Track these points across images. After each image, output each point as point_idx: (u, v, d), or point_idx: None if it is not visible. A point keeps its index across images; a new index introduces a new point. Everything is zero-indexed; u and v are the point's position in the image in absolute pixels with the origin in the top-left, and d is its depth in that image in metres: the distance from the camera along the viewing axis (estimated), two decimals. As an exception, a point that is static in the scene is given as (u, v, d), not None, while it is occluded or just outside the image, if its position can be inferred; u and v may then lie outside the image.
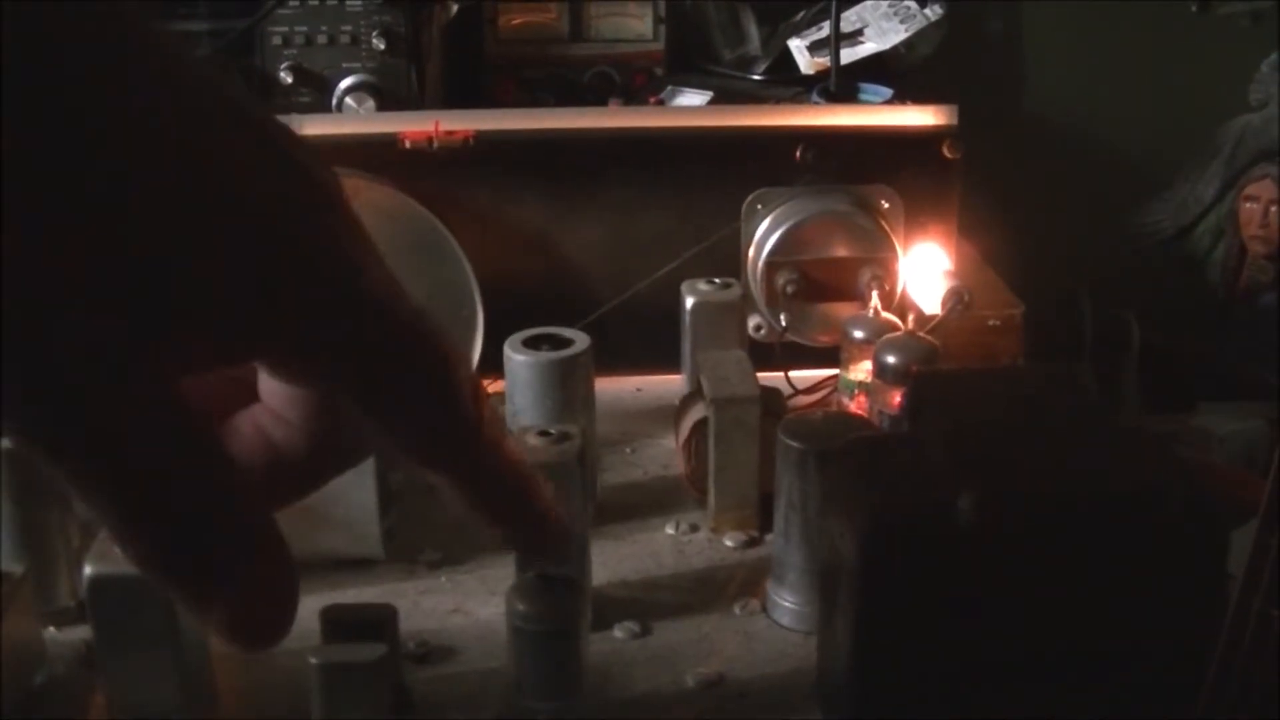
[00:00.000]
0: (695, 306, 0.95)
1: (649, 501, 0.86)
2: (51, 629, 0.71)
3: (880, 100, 1.15)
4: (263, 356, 0.31)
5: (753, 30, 1.33)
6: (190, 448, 0.29)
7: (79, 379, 0.27)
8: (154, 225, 0.28)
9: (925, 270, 1.01)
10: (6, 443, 0.70)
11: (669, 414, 0.91)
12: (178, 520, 0.29)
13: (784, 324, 1.00)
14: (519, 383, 0.81)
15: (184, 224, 0.28)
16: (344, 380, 0.32)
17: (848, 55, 1.20)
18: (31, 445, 0.27)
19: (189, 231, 0.28)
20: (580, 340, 0.83)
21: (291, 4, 1.12)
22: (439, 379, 0.33)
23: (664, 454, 0.92)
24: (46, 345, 0.27)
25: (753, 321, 1.02)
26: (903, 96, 1.14)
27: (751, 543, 0.81)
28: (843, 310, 0.98)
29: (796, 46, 1.26)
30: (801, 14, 1.29)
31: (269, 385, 0.35)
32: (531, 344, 0.82)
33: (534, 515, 0.37)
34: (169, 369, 0.29)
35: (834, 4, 1.16)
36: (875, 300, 0.94)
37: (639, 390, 1.02)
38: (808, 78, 1.24)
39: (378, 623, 0.63)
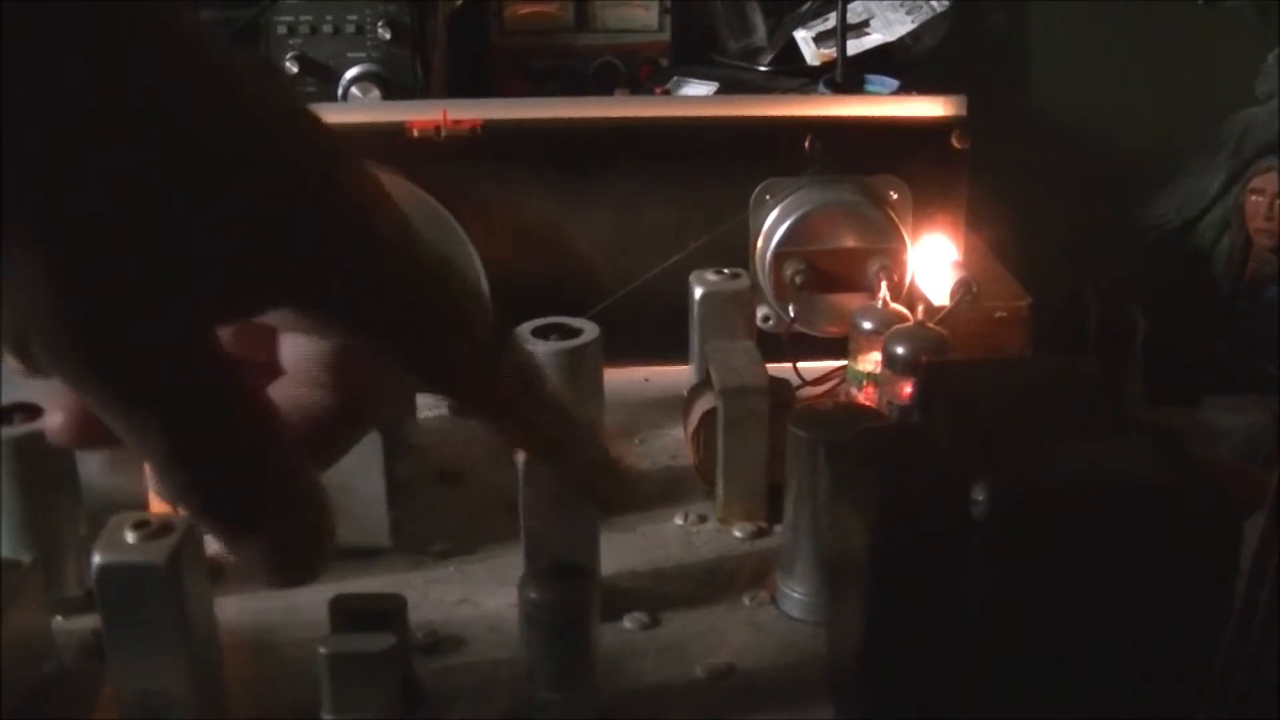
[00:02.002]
0: (704, 297, 0.94)
1: (657, 492, 0.86)
2: (59, 618, 0.71)
3: (886, 91, 1.15)
4: (290, 300, 0.32)
5: (759, 21, 1.33)
6: (229, 389, 0.30)
7: (122, 322, 0.28)
8: (177, 177, 0.29)
9: (933, 261, 1.00)
10: (12, 431, 0.70)
11: (677, 404, 0.91)
12: (218, 460, 0.30)
13: (792, 315, 1.00)
14: (527, 373, 0.81)
15: (207, 176, 0.30)
16: (369, 321, 0.33)
17: (854, 46, 1.20)
18: (83, 389, 0.29)
19: (213, 184, 0.30)
20: (589, 330, 0.82)
21: (297, -6, 1.12)
22: (456, 314, 0.34)
23: (672, 444, 0.92)
24: (91, 293, 0.28)
25: (761, 312, 1.02)
26: (908, 88, 1.14)
27: (760, 533, 0.81)
28: (851, 301, 0.98)
29: (802, 38, 1.26)
30: (807, 5, 1.30)
31: (292, 351, 0.36)
32: (540, 334, 0.82)
33: (578, 448, 0.38)
34: (207, 312, 0.30)
35: (841, -5, 1.16)
36: (884, 291, 0.93)
37: (647, 380, 1.02)
38: (814, 69, 1.24)
39: (386, 613, 0.63)
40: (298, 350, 0.36)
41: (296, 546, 0.32)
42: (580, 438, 0.38)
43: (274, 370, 0.36)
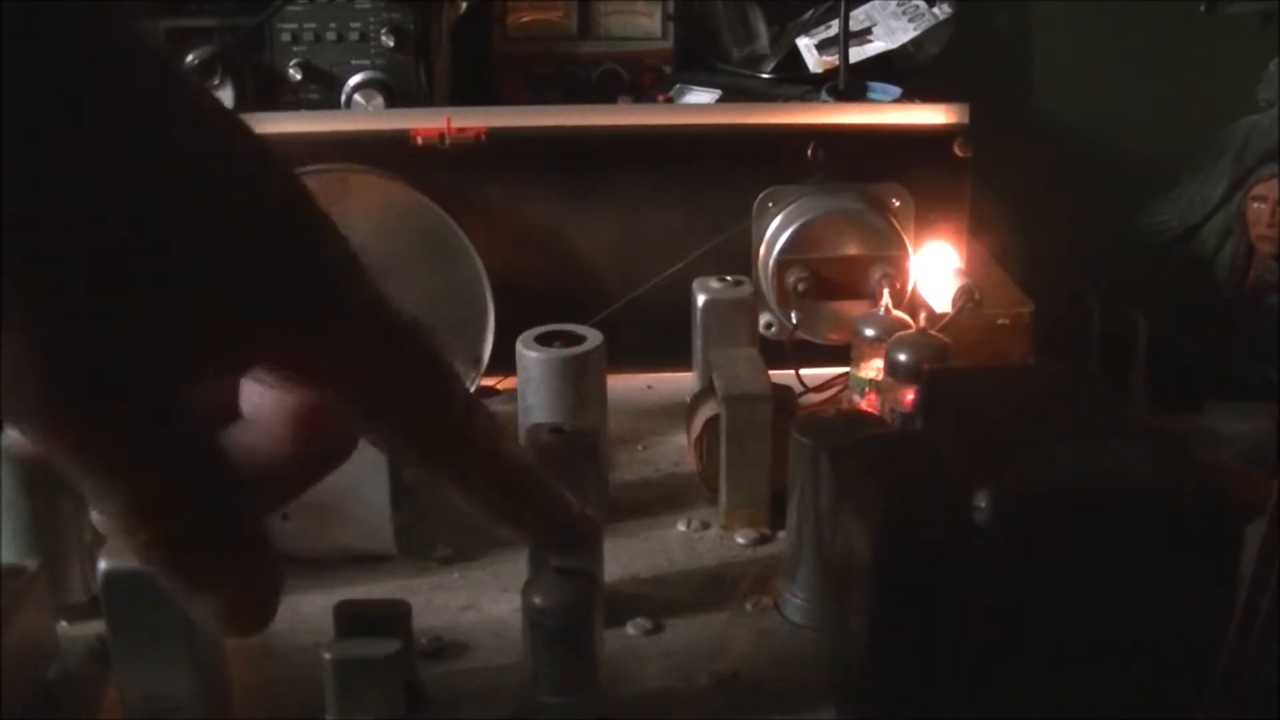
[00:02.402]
0: (707, 304, 0.95)
1: (660, 499, 0.86)
2: (64, 623, 0.71)
3: (889, 99, 1.15)
4: (263, 359, 0.32)
5: (761, 29, 1.33)
6: (195, 451, 0.30)
7: (97, 383, 0.28)
8: (159, 234, 0.29)
9: (935, 268, 1.01)
10: (16, 437, 0.70)
11: (680, 411, 0.91)
12: (180, 518, 0.30)
13: (795, 322, 1.00)
14: (531, 380, 0.81)
15: (188, 233, 0.29)
16: (340, 378, 0.33)
17: (856, 54, 1.20)
18: (46, 439, 0.29)
19: (194, 241, 0.29)
20: (593, 337, 0.83)
21: (301, 1, 1.12)
22: (426, 377, 0.34)
23: (675, 451, 0.92)
24: (64, 358, 0.28)
25: (764, 319, 1.02)
26: (911, 96, 1.14)
27: (763, 540, 0.81)
28: (853, 308, 0.98)
29: (805, 45, 1.26)
30: (810, 12, 1.30)
31: (252, 401, 0.35)
32: (544, 341, 0.82)
33: (543, 510, 0.38)
34: (180, 374, 0.30)
35: (843, 3, 1.16)
36: (886, 298, 0.94)
37: (650, 387, 1.02)
38: (816, 76, 1.24)
39: (391, 618, 0.63)
40: (259, 399, 0.36)
41: (249, 604, 0.32)
42: (544, 495, 0.39)
43: (233, 413, 0.36)
